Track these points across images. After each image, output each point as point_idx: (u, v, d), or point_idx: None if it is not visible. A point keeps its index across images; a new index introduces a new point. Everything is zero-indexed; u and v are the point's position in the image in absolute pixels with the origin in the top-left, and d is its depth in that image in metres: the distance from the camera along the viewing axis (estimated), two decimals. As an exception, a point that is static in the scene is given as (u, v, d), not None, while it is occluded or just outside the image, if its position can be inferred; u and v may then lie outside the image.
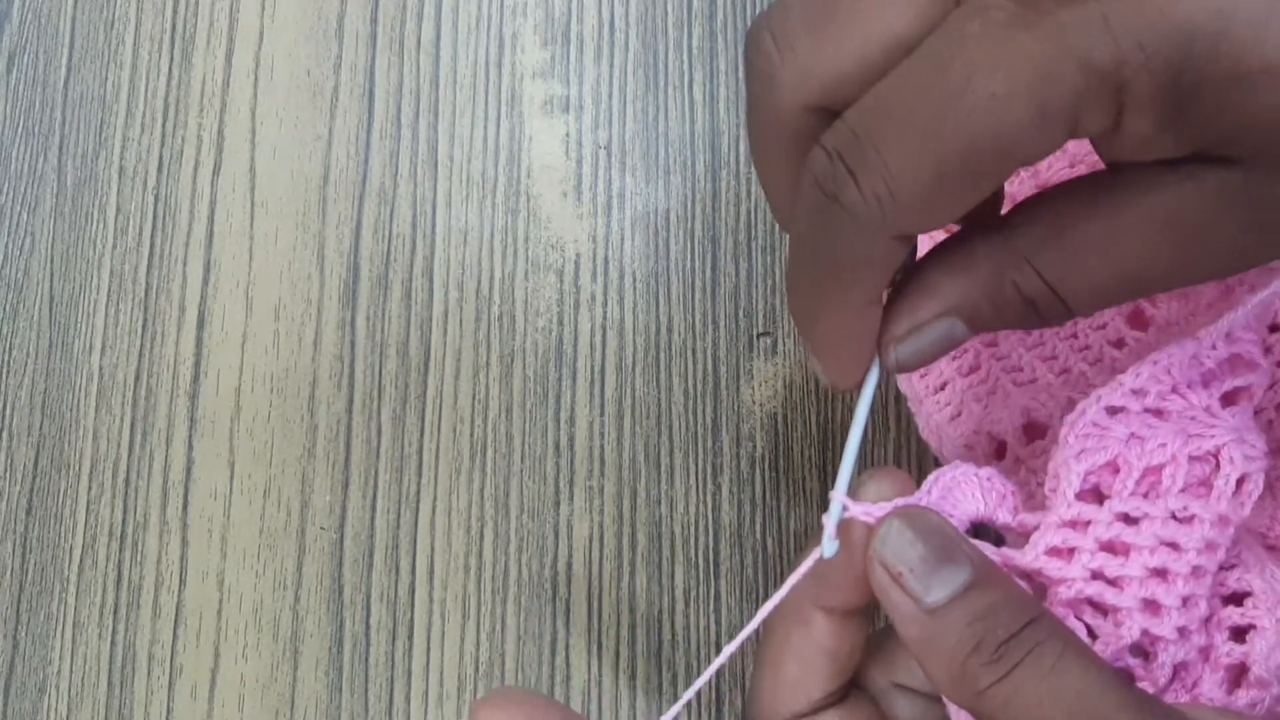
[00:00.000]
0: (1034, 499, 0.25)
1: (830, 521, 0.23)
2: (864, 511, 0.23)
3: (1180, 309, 0.27)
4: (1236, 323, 0.23)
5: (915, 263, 0.23)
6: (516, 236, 0.38)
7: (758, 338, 0.37)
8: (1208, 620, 0.23)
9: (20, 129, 0.40)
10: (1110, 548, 0.23)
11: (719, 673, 0.35)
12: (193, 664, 0.36)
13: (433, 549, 0.36)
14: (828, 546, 0.23)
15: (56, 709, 0.36)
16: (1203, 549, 0.23)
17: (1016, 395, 0.29)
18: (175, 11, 0.40)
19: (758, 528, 0.36)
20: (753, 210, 0.38)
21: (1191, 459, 0.23)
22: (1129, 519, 0.23)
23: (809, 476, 0.36)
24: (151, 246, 0.39)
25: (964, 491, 0.24)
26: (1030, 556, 0.23)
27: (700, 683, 0.25)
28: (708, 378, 0.37)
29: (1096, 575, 0.23)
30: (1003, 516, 0.24)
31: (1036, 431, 0.28)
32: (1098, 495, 0.23)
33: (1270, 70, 0.18)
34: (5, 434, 0.38)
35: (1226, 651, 0.23)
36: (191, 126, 0.39)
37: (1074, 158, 0.28)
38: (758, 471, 0.36)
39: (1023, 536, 0.24)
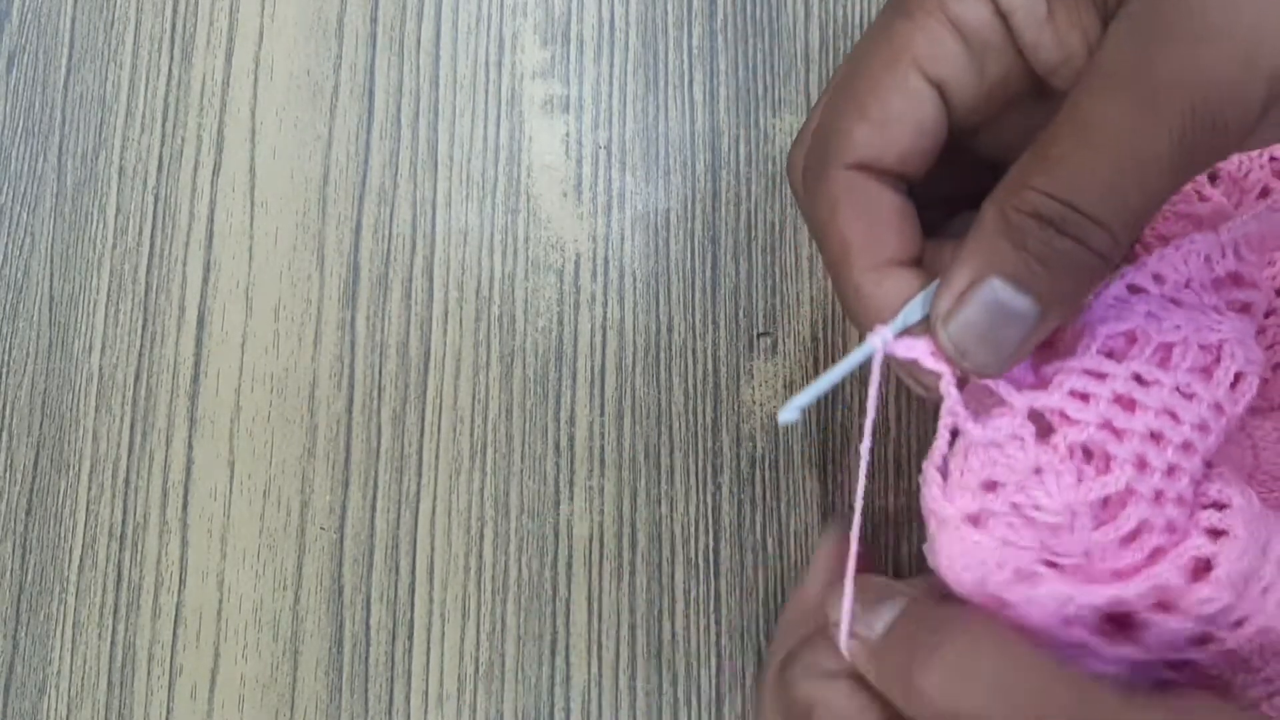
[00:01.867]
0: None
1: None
2: (906, 347, 0.24)
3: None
4: (1242, 236, 0.25)
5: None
6: (516, 236, 0.38)
7: (758, 338, 0.37)
8: (1188, 516, 0.25)
9: (20, 129, 0.40)
10: (1120, 401, 0.24)
11: (719, 672, 0.35)
12: (193, 664, 0.36)
13: (433, 549, 0.36)
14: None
15: (56, 709, 0.36)
16: (1196, 426, 0.24)
17: None
18: (175, 11, 0.40)
19: (758, 528, 0.36)
20: (753, 210, 0.38)
21: (1199, 346, 0.25)
22: (1141, 380, 0.24)
23: (809, 476, 0.36)
24: (151, 246, 0.39)
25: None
26: (1056, 397, 0.24)
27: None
28: (708, 378, 0.37)
29: (1104, 424, 0.24)
30: (1025, 375, 0.25)
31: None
32: (1113, 358, 0.25)
33: None
34: (5, 434, 0.38)
35: (1198, 545, 0.24)
36: (191, 126, 0.39)
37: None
38: (758, 471, 0.36)
39: (1034, 388, 0.25)
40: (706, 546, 0.36)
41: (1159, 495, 0.24)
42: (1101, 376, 0.24)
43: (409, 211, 0.38)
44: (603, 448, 0.36)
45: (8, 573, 0.37)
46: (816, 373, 0.37)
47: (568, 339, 0.37)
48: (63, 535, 0.37)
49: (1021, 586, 0.23)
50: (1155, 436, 0.24)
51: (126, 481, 0.37)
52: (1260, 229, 0.26)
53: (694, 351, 0.37)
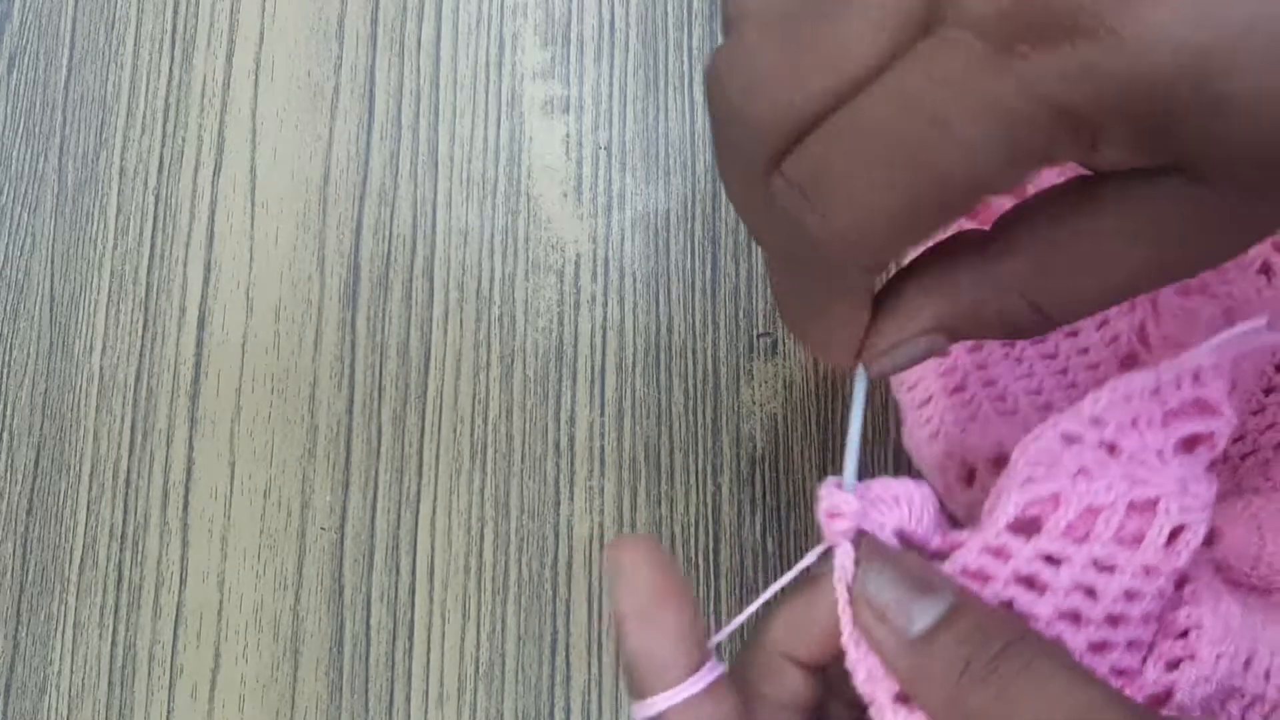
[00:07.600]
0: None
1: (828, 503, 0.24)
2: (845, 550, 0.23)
3: (1180, 329, 0.27)
4: (1204, 364, 0.23)
5: (898, 274, 0.24)
6: (516, 237, 0.38)
7: (758, 338, 0.37)
8: (1145, 656, 0.23)
9: (21, 129, 0.40)
10: (1027, 581, 0.23)
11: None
12: (193, 664, 0.36)
13: (433, 549, 0.36)
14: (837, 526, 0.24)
15: (57, 709, 0.36)
16: (1120, 598, 0.23)
17: (995, 424, 0.29)
18: (175, 12, 0.40)
19: (758, 528, 0.36)
20: (753, 210, 0.38)
21: (1130, 506, 0.23)
22: (1051, 559, 0.23)
23: (809, 476, 0.36)
24: (152, 247, 0.39)
25: (890, 504, 0.24)
26: (953, 571, 0.23)
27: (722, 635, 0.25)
28: (708, 378, 0.37)
29: (1005, 606, 0.23)
30: (933, 538, 0.24)
31: (1006, 464, 0.28)
32: (1035, 524, 0.23)
33: (1247, 100, 0.18)
34: (6, 434, 0.38)
35: (1154, 679, 0.23)
36: (191, 127, 0.39)
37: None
38: (758, 471, 0.36)
39: (937, 555, 0.24)
40: (706, 546, 0.36)
41: (1103, 645, 0.23)
42: (1005, 555, 0.23)
43: (409, 212, 0.38)
44: (603, 448, 0.36)
45: (8, 573, 0.37)
46: (817, 373, 0.37)
47: (568, 339, 0.37)
48: (63, 535, 0.37)
49: None
50: (1072, 616, 0.23)
51: (127, 482, 0.37)
52: (1235, 354, 0.23)
53: (694, 352, 0.37)
